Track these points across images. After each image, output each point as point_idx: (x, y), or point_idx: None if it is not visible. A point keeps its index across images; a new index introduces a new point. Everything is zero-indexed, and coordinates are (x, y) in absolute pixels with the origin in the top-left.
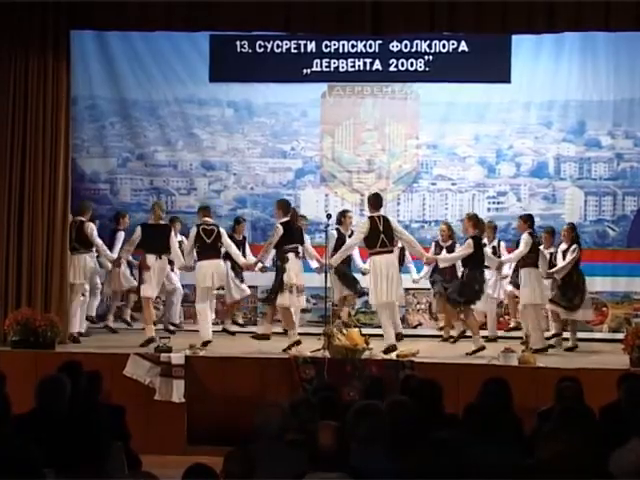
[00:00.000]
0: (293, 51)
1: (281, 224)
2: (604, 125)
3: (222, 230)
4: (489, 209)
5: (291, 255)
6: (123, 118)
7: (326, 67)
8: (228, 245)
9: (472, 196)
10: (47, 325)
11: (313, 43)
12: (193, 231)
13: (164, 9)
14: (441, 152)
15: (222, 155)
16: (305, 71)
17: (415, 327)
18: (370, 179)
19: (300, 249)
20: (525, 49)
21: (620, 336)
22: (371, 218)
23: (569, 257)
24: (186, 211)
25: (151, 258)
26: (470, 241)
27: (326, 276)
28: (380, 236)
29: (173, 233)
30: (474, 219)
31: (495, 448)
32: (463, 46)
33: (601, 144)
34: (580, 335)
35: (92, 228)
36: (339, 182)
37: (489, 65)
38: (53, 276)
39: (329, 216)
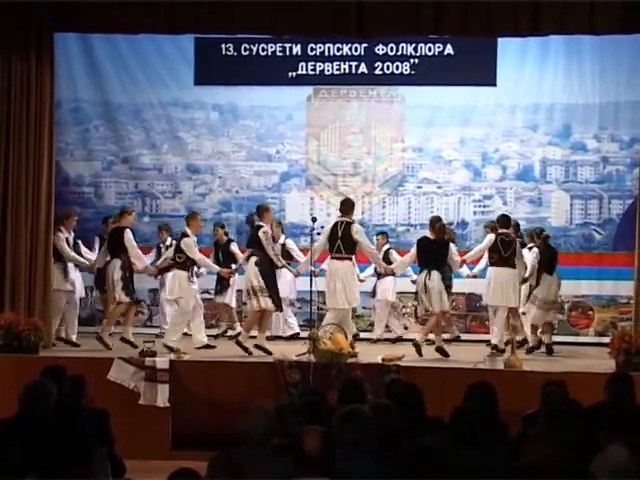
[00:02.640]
0: (278, 54)
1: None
2: (590, 128)
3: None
4: (475, 212)
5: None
6: (107, 121)
7: (311, 70)
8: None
9: (458, 199)
10: (31, 329)
11: (298, 46)
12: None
13: (148, 12)
14: (427, 155)
15: (207, 158)
16: (290, 74)
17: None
18: (356, 182)
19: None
20: (511, 52)
21: (606, 340)
22: (334, 223)
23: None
24: (171, 214)
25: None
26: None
27: (311, 280)
28: (337, 242)
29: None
30: (434, 222)
31: (481, 452)
32: (449, 49)
33: (587, 147)
34: (566, 339)
35: (58, 237)
36: (324, 185)
37: (475, 68)
38: (37, 280)
39: (314, 219)
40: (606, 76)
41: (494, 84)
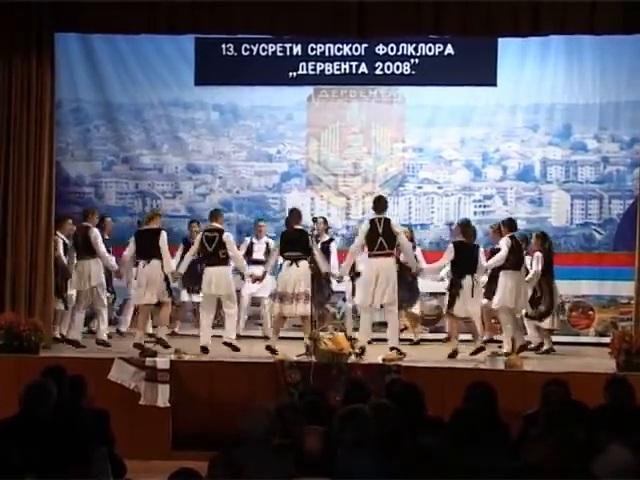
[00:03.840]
0: (279, 54)
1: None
2: (590, 128)
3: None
4: (475, 212)
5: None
6: (108, 121)
7: (312, 70)
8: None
9: (458, 199)
10: (31, 329)
11: (299, 46)
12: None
13: (149, 12)
14: (427, 155)
15: (207, 158)
16: (291, 74)
17: (401, 331)
18: (356, 182)
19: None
20: (511, 52)
21: (607, 340)
22: (371, 220)
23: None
24: (171, 215)
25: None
26: (451, 246)
27: (313, 281)
28: (378, 239)
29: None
30: (464, 225)
31: (481, 452)
32: (449, 49)
33: (587, 147)
34: (567, 339)
35: (96, 235)
36: (325, 185)
37: (475, 68)
38: (37, 280)
39: (315, 219)
40: (607, 76)
41: (494, 84)
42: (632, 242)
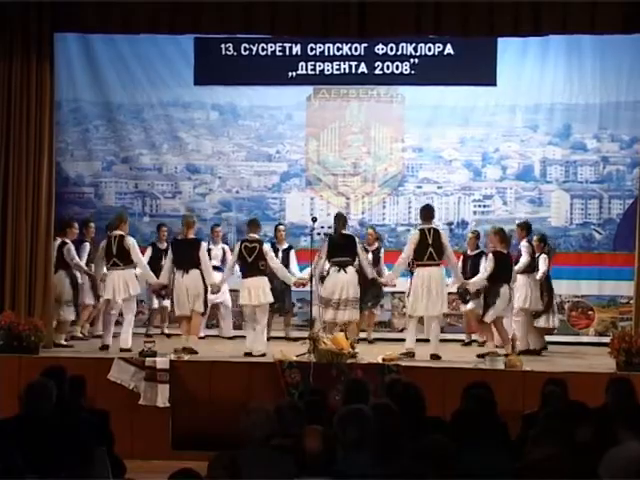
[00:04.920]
0: (278, 54)
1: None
2: (590, 128)
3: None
4: (475, 212)
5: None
6: (107, 121)
7: (311, 70)
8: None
9: (458, 199)
10: (31, 329)
11: (298, 46)
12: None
13: (148, 12)
14: (427, 155)
15: (207, 158)
16: (290, 74)
17: (401, 331)
18: (355, 182)
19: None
20: (511, 52)
21: (606, 340)
22: (421, 230)
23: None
24: (171, 215)
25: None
26: (491, 255)
27: (312, 281)
28: (428, 249)
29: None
30: (500, 233)
31: (481, 452)
32: (449, 49)
33: (587, 147)
34: (566, 339)
35: (133, 243)
36: (324, 185)
37: (475, 68)
38: (37, 280)
39: (314, 219)
40: (606, 76)
41: (494, 84)
42: (632, 242)
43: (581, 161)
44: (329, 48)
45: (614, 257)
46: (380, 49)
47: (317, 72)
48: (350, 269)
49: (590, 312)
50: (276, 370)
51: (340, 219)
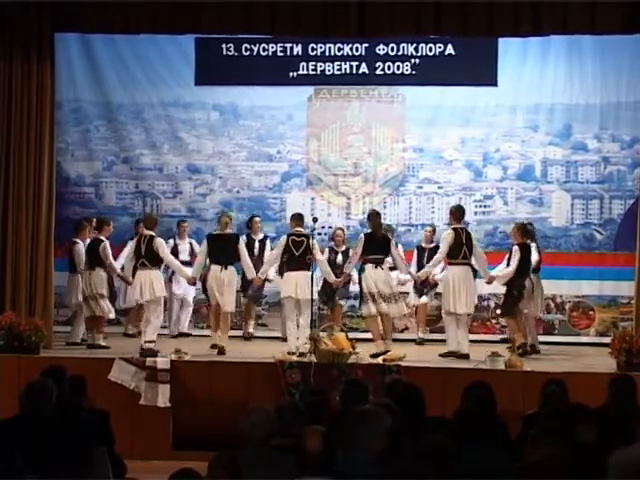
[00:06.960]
0: (279, 54)
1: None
2: (591, 128)
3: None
4: (475, 212)
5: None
6: (108, 121)
7: (312, 70)
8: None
9: (459, 199)
10: (31, 330)
11: (299, 46)
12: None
13: (149, 12)
14: (427, 155)
15: (208, 158)
16: (291, 74)
17: (402, 331)
18: (356, 182)
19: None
20: (511, 52)
21: (607, 340)
22: (455, 230)
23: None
24: (172, 215)
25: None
26: (516, 248)
27: (312, 281)
28: (462, 248)
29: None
30: (523, 228)
31: (481, 452)
32: (449, 49)
33: (587, 147)
34: (567, 339)
35: (162, 243)
36: (325, 185)
37: (475, 68)
38: (37, 280)
39: (315, 219)
40: (607, 76)
41: (495, 84)
42: (632, 242)
43: (582, 161)
44: (330, 48)
45: (615, 257)
46: (381, 49)
47: (318, 72)
48: (386, 266)
49: (591, 312)
50: (277, 370)
51: (374, 217)
